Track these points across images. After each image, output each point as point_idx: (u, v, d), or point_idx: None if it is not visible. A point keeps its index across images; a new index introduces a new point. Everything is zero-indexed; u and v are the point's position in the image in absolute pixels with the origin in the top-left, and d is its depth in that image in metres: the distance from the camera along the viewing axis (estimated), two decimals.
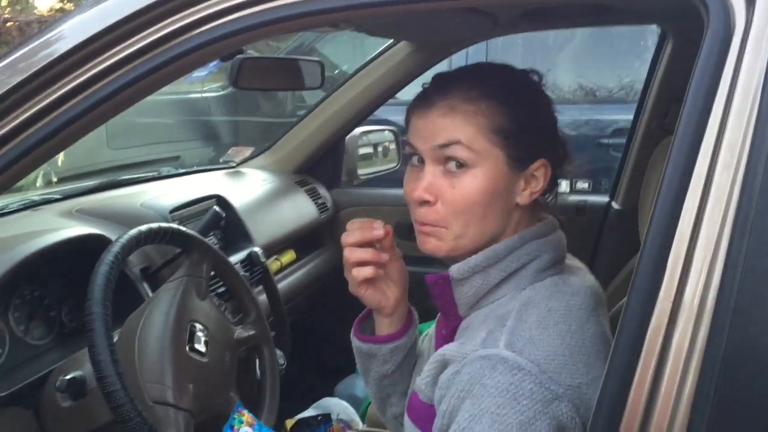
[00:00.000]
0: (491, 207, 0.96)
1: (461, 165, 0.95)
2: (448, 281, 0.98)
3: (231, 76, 1.55)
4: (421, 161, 0.98)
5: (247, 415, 1.11)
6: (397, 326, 1.11)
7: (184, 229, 1.39)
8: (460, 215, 0.95)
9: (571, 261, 1.05)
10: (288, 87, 1.75)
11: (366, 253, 1.02)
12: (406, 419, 1.02)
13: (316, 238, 2.36)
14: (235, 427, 1.09)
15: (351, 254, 1.03)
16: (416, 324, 1.15)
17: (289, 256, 2.18)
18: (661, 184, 0.78)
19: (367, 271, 1.02)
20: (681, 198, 0.76)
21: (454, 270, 0.97)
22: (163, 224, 1.36)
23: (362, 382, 2.16)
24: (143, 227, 1.31)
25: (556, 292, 0.96)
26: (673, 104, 1.93)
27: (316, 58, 1.78)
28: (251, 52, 1.64)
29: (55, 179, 2.31)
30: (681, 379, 0.72)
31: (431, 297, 1.04)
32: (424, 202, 0.96)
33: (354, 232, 1.03)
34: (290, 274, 2.15)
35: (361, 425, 1.90)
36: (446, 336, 1.03)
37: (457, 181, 0.95)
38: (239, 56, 1.56)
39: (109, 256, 1.20)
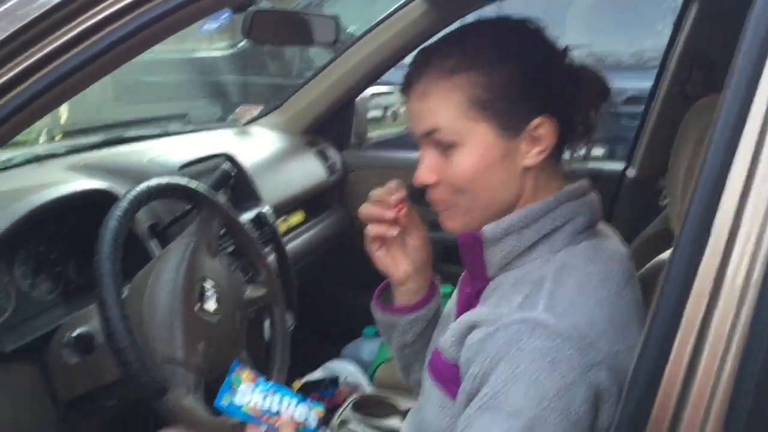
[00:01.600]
0: (493, 178, 0.93)
1: (449, 146, 0.92)
2: (479, 241, 0.95)
3: (243, 28, 1.49)
4: None
5: (246, 373, 1.08)
6: (416, 297, 1.09)
7: (194, 185, 1.35)
8: (463, 192, 0.93)
9: (601, 226, 1.01)
10: (300, 42, 1.69)
11: (375, 211, 1.01)
12: (426, 377, 1.00)
13: (324, 200, 2.33)
14: (234, 386, 1.06)
15: (364, 210, 1.03)
16: (439, 295, 1.13)
17: (297, 217, 2.15)
18: (707, 152, 0.73)
19: (377, 228, 1.02)
20: (727, 165, 0.71)
21: (487, 230, 0.94)
22: (173, 179, 1.33)
23: (369, 346, 2.18)
24: (152, 182, 1.27)
25: (593, 257, 0.92)
26: (696, 69, 1.87)
27: (330, 14, 1.71)
28: (264, 5, 1.58)
29: (60, 134, 2.26)
30: (723, 352, 0.68)
31: (461, 257, 1.00)
32: (427, 185, 0.95)
33: (377, 191, 1.02)
34: (298, 236, 2.12)
35: (368, 388, 1.89)
36: (470, 296, 1.01)
37: (452, 159, 0.92)
38: (251, 8, 1.50)
39: (118, 211, 1.16)
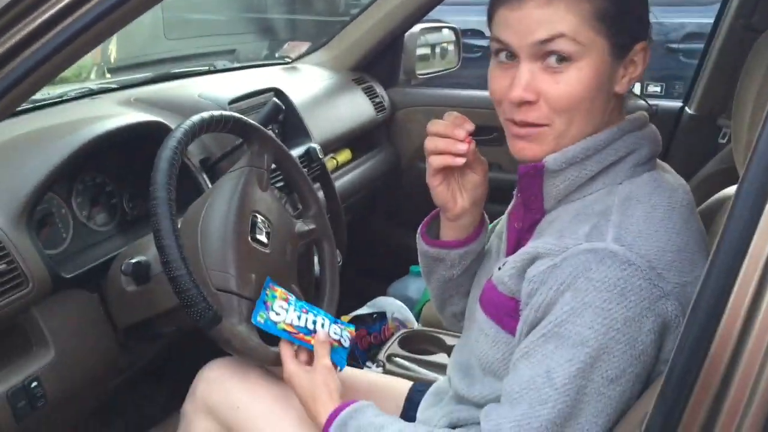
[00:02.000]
0: (596, 100, 0.90)
1: (564, 59, 0.87)
2: (540, 172, 0.93)
3: None
4: (511, 57, 0.91)
5: (280, 291, 1.09)
6: (466, 232, 1.08)
7: (245, 118, 1.34)
8: (565, 112, 0.89)
9: (659, 160, 0.99)
10: None
11: (445, 144, 0.97)
12: (479, 312, 1.00)
13: (372, 138, 2.32)
14: (268, 303, 1.07)
15: (430, 142, 0.99)
16: (487, 229, 1.12)
17: (345, 154, 2.14)
18: None
19: (440, 160, 0.98)
20: None
21: (550, 160, 0.92)
22: (225, 112, 1.32)
23: (415, 283, 2.19)
24: (205, 114, 1.26)
25: (657, 188, 0.90)
26: (762, 0, 1.78)
27: None
28: None
29: (109, 71, 2.27)
30: None
31: (519, 190, 0.99)
32: (525, 103, 0.89)
33: (440, 122, 0.98)
34: (346, 173, 2.12)
35: (416, 325, 1.91)
36: (522, 230, 0.99)
37: (560, 76, 0.88)
38: None
39: (172, 141, 1.17)
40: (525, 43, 0.88)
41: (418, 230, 1.12)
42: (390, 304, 1.96)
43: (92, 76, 2.34)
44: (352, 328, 1.14)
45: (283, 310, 1.09)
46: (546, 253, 0.88)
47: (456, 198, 1.04)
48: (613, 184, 0.91)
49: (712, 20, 2.01)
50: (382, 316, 1.87)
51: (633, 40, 0.91)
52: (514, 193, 1.06)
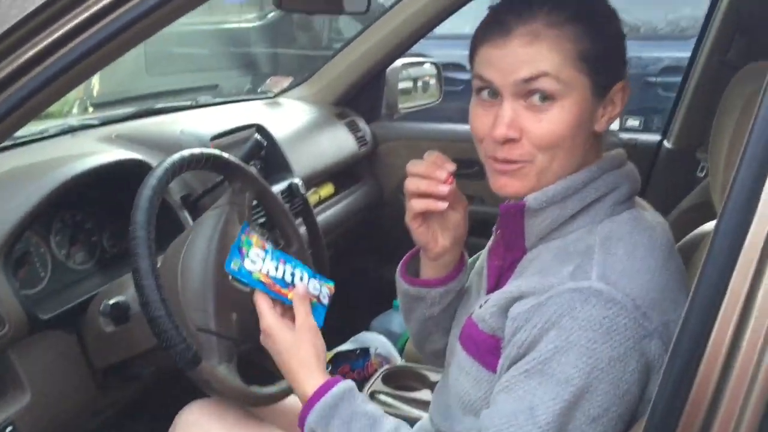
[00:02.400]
0: (577, 138, 0.90)
1: (546, 98, 0.88)
2: (520, 211, 0.93)
3: None
4: (493, 95, 0.91)
5: (256, 237, 1.01)
6: (446, 270, 1.06)
7: (227, 155, 1.34)
8: (548, 149, 0.90)
9: (637, 198, 0.99)
10: (331, 11, 1.66)
11: (427, 186, 0.95)
12: (459, 349, 0.99)
13: (354, 172, 2.32)
14: (243, 249, 0.99)
15: (411, 183, 0.97)
16: (467, 267, 1.11)
17: (327, 189, 2.14)
18: (755, 120, 0.71)
19: (421, 204, 0.97)
20: None
21: (531, 200, 0.92)
22: (206, 150, 1.31)
23: (398, 318, 2.17)
24: (185, 152, 1.26)
25: (636, 227, 0.91)
26: (738, 36, 1.81)
27: None
28: None
29: (92, 105, 2.27)
30: None
31: (499, 227, 0.99)
32: (508, 140, 0.90)
33: (421, 163, 0.97)
34: (328, 208, 2.11)
35: (399, 360, 1.89)
36: (503, 267, 0.99)
37: (543, 115, 0.89)
38: None
39: (152, 180, 1.16)
40: (508, 81, 0.88)
41: (398, 269, 1.11)
42: (373, 340, 1.95)
43: (75, 110, 2.34)
44: (331, 284, 1.05)
45: (260, 258, 1.00)
46: (530, 292, 0.88)
47: (437, 238, 1.02)
48: (593, 222, 0.92)
49: (687, 54, 2.05)
50: (365, 351, 1.86)
51: (613, 80, 0.92)
52: (494, 230, 1.06)
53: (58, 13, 0.86)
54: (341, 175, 2.22)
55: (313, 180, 2.03)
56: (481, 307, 0.95)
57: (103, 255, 1.47)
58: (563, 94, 0.88)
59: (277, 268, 1.01)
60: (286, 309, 1.03)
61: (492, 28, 0.90)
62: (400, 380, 1.73)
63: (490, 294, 0.96)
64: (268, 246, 1.03)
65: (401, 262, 1.11)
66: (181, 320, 1.12)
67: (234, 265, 1.00)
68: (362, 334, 2.00)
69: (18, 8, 0.85)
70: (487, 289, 1.01)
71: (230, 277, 1.20)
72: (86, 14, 0.86)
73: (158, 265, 1.17)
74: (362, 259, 2.45)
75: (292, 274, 1.01)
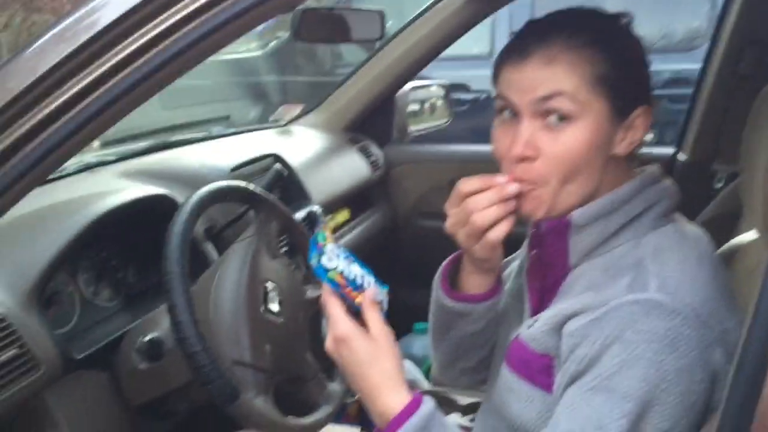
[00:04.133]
0: (592, 160, 0.91)
1: (563, 118, 0.90)
2: (566, 228, 0.93)
3: (293, 28, 1.48)
4: (514, 115, 0.93)
5: (329, 232, 0.94)
6: (490, 281, 1.03)
7: (253, 188, 1.35)
8: (562, 171, 0.90)
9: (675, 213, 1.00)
10: (347, 39, 1.68)
11: (499, 210, 0.90)
12: (505, 372, 0.98)
13: (368, 197, 2.32)
14: (320, 243, 0.91)
15: (484, 217, 0.90)
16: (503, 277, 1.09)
17: (343, 214, 2.13)
18: None
19: (505, 228, 0.91)
20: None
21: (576, 215, 0.92)
22: (232, 183, 1.33)
23: (419, 341, 2.16)
24: (213, 186, 1.27)
25: (683, 239, 0.92)
26: (748, 47, 1.82)
27: (375, 8, 1.71)
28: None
29: (105, 142, 2.28)
30: None
31: (535, 247, 0.98)
32: (524, 159, 0.91)
33: (482, 196, 0.91)
34: (345, 234, 2.10)
35: (426, 384, 1.87)
36: (544, 288, 0.98)
37: (559, 135, 0.90)
38: (299, 8, 1.50)
39: (183, 215, 1.17)
40: (526, 100, 0.90)
41: (437, 284, 1.06)
42: None
43: (86, 149, 2.34)
44: (387, 290, 0.97)
45: (335, 255, 0.92)
46: (585, 308, 0.88)
47: (497, 247, 0.96)
48: (638, 236, 0.92)
49: (686, 66, 2.06)
50: None
51: (633, 104, 0.92)
52: (526, 252, 1.05)
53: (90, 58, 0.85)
54: (356, 200, 2.21)
55: (330, 206, 2.01)
56: (530, 327, 0.95)
57: (129, 291, 1.46)
58: (580, 115, 0.89)
59: (350, 269, 0.92)
60: (354, 315, 0.92)
61: (512, 51, 0.92)
62: None
63: (538, 314, 0.96)
64: (339, 244, 0.96)
65: (441, 276, 1.06)
66: (217, 355, 1.12)
67: (313, 261, 0.91)
68: None
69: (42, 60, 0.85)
70: (531, 310, 1.01)
71: (262, 311, 1.20)
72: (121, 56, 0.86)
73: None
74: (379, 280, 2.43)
75: (362, 277, 0.93)
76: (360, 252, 2.18)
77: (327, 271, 0.90)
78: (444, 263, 1.07)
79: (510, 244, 1.08)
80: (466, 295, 1.04)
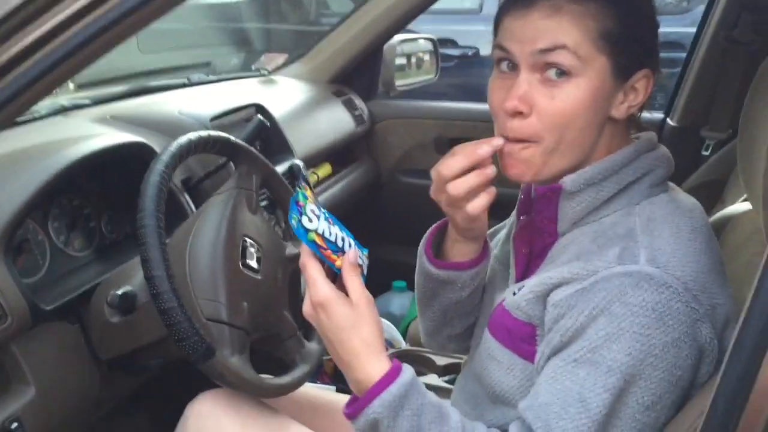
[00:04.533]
0: (589, 121, 0.88)
1: (563, 73, 0.86)
2: (556, 194, 0.90)
3: None
4: (513, 68, 0.90)
5: (310, 191, 0.90)
6: (476, 248, 1.01)
7: (234, 139, 1.30)
8: (556, 129, 0.87)
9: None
10: None
11: (477, 178, 0.87)
12: (488, 338, 0.96)
13: (352, 151, 2.30)
14: (301, 203, 0.87)
15: (458, 187, 0.87)
16: (489, 246, 1.06)
17: (325, 169, 2.11)
18: None
19: (483, 200, 0.89)
20: None
21: (568, 181, 0.90)
22: (213, 132, 1.27)
23: (398, 299, 2.15)
24: (192, 135, 1.22)
25: (676, 209, 0.89)
26: (744, 12, 1.79)
27: None
28: None
29: (81, 85, 2.21)
30: None
31: (524, 212, 0.96)
32: (518, 114, 0.88)
33: (455, 158, 0.88)
34: (326, 189, 2.08)
35: (403, 344, 1.86)
36: (531, 254, 0.96)
37: (557, 91, 0.87)
38: None
39: (159, 165, 1.12)
40: (526, 51, 0.87)
41: (422, 251, 1.03)
42: None
43: (62, 90, 2.27)
44: (367, 253, 0.93)
45: (315, 216, 0.87)
46: (571, 277, 0.85)
47: (482, 216, 0.94)
48: (630, 205, 0.90)
49: (674, 30, 2.03)
50: None
51: (636, 65, 0.90)
52: (514, 215, 1.03)
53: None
54: (339, 155, 2.19)
55: (312, 160, 1.99)
56: (514, 294, 0.93)
57: (102, 242, 1.42)
58: (580, 71, 0.86)
59: (330, 230, 0.88)
60: (334, 279, 0.89)
61: (516, 1, 0.89)
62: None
63: (523, 281, 0.94)
64: (319, 203, 0.92)
65: (425, 243, 1.03)
66: (192, 311, 1.08)
67: (293, 221, 0.87)
68: None
69: None
70: (516, 276, 0.99)
71: (240, 267, 1.16)
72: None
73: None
74: (360, 240, 2.40)
75: (343, 239, 0.89)
76: (341, 208, 2.19)
77: (307, 232, 0.86)
78: (429, 230, 1.05)
79: (500, 208, 1.06)
80: (451, 263, 1.01)
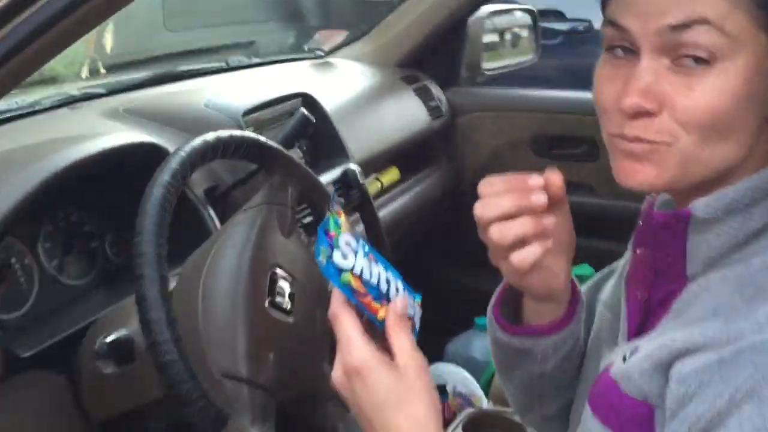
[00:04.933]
0: (742, 119, 0.79)
1: (702, 60, 0.77)
2: (683, 223, 0.82)
3: None
4: (631, 52, 0.81)
5: (344, 217, 0.85)
6: (559, 308, 0.94)
7: (263, 139, 1.26)
8: (697, 129, 0.78)
9: None
10: None
11: (526, 226, 0.82)
12: (588, 416, 0.88)
13: (426, 152, 2.30)
14: (332, 233, 0.83)
15: (503, 235, 0.82)
16: (582, 299, 0.99)
17: (391, 174, 2.11)
18: None
19: (534, 251, 0.82)
20: None
21: (700, 206, 0.81)
22: (236, 132, 1.23)
23: (481, 341, 2.07)
24: (209, 136, 1.17)
25: None
26: None
27: None
28: None
29: (103, 68, 2.26)
30: None
31: (642, 244, 0.88)
32: (640, 114, 0.79)
33: (498, 199, 0.82)
34: (393, 200, 2.09)
35: (484, 401, 1.83)
36: (650, 302, 0.88)
37: (696, 81, 0.77)
38: None
39: (164, 176, 1.08)
40: (651, 29, 0.78)
41: (491, 312, 0.99)
42: (450, 373, 1.90)
43: (84, 72, 2.32)
44: (420, 300, 0.88)
45: (351, 250, 0.82)
46: (706, 343, 0.76)
47: (557, 272, 0.90)
48: None
49: None
50: (440, 389, 1.80)
51: None
52: (631, 246, 0.94)
53: None
54: (409, 156, 2.19)
55: (374, 164, 1.99)
56: (625, 359, 0.84)
57: (105, 267, 1.41)
58: (728, 53, 0.77)
59: (371, 270, 0.83)
60: (375, 334, 0.83)
61: None
62: (486, 428, 1.68)
63: (637, 340, 0.85)
64: (356, 231, 0.87)
65: (494, 303, 0.99)
66: (202, 364, 1.03)
67: (321, 257, 0.81)
68: (436, 366, 1.94)
69: None
70: (629, 332, 0.90)
71: (267, 306, 1.11)
72: None
73: (173, 287, 1.10)
74: (436, 265, 2.42)
75: (388, 281, 0.83)
76: (411, 223, 2.14)
77: (340, 272, 0.80)
78: (501, 285, 0.99)
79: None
80: (525, 328, 0.96)
